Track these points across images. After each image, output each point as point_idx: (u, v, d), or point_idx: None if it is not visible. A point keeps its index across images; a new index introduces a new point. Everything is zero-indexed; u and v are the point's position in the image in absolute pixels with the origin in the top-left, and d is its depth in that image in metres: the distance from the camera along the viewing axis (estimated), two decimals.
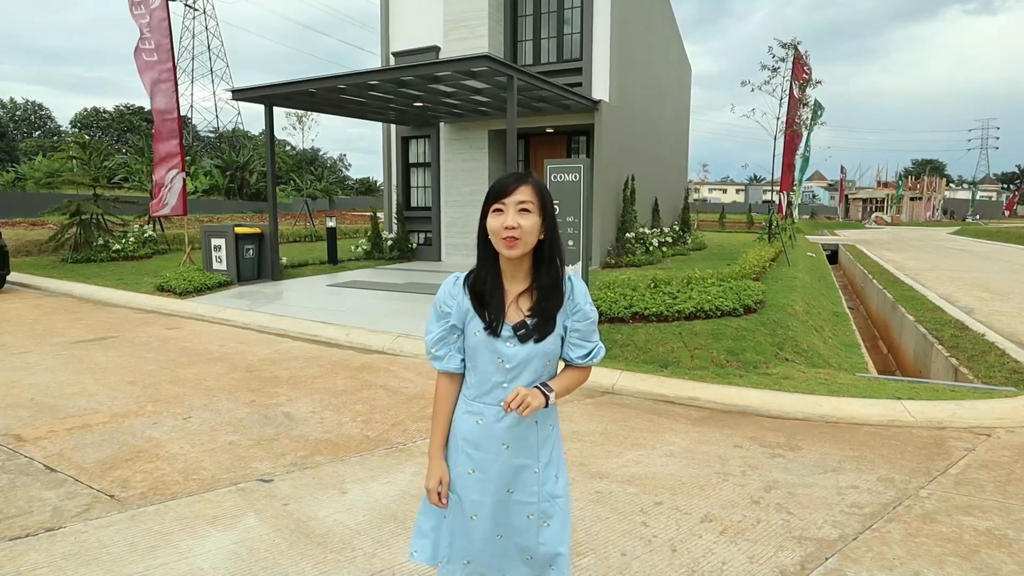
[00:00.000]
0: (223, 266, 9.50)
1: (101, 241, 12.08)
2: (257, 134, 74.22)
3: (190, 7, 69.70)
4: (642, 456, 3.83)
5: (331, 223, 11.63)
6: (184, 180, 11.11)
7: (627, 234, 11.91)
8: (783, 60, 12.33)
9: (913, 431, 4.40)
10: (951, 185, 78.21)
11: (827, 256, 19.43)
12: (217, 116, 75.66)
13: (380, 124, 13.60)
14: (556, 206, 7.36)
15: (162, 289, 8.96)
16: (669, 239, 14.16)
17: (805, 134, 15.30)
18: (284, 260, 10.87)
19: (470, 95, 9.72)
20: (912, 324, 8.53)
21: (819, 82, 12.04)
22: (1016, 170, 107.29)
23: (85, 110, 71.60)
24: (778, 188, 15.19)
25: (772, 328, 6.49)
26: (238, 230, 9.50)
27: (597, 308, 6.88)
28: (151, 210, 10.94)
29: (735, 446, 4.04)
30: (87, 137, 13.02)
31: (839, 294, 12.62)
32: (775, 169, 14.42)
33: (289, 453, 3.72)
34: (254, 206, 50.53)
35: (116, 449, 3.72)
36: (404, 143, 13.56)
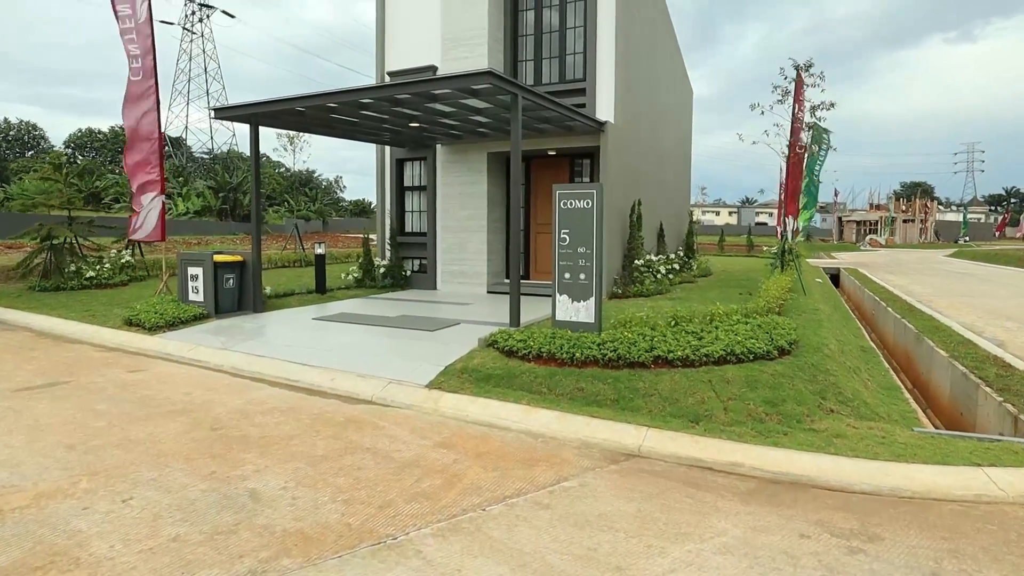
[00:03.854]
0: (200, 297, 8.74)
1: (73, 268, 11.30)
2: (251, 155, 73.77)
3: (188, 30, 69.70)
4: (691, 554, 3.06)
5: (319, 250, 10.89)
6: (163, 204, 10.41)
7: (634, 261, 11.24)
8: (791, 81, 11.84)
9: (1007, 510, 3.66)
10: (940, 207, 78.72)
11: (830, 280, 18.84)
12: (212, 138, 75.38)
13: (374, 146, 12.96)
14: (565, 235, 6.66)
15: (130, 323, 8.18)
16: (676, 266, 13.50)
17: (807, 159, 14.79)
18: (268, 290, 10.11)
19: (469, 115, 9.09)
20: (945, 360, 7.82)
21: (832, 105, 11.50)
22: (1003, 192, 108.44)
23: (80, 130, 71.17)
24: (775, 211, 14.61)
25: (811, 373, 5.77)
26: (217, 258, 8.75)
27: (615, 350, 6.15)
28: (128, 232, 10.18)
29: (801, 536, 3.29)
30: (64, 157, 12.27)
31: (857, 325, 11.97)
32: (778, 193, 13.84)
33: (248, 555, 2.94)
34: (246, 227, 49.87)
35: (26, 550, 2.92)
36: (399, 166, 12.91)
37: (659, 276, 11.80)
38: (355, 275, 12.22)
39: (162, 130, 10.39)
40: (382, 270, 12.29)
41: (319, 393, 5.78)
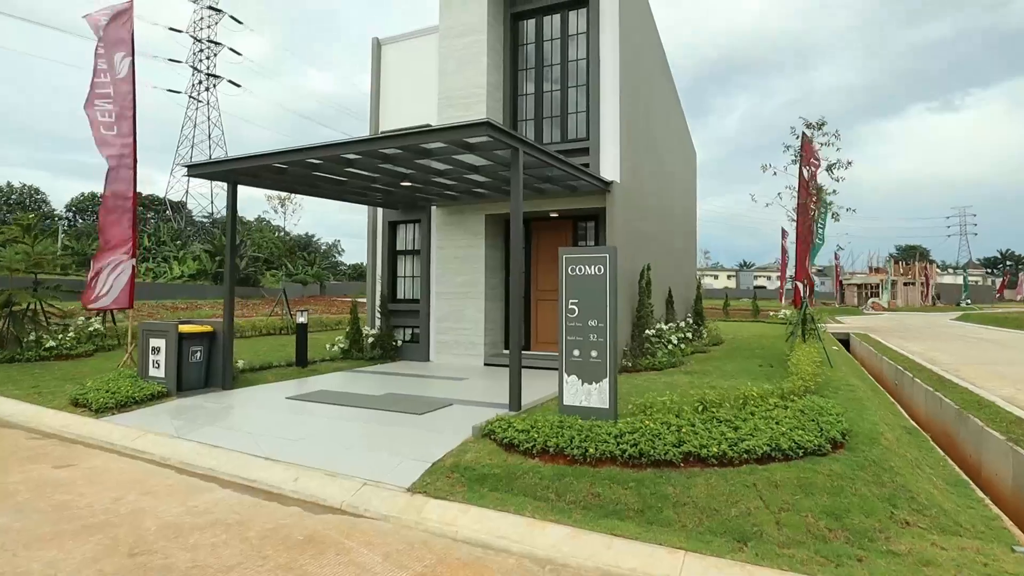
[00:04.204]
0: (161, 372, 7.78)
1: (33, 336, 10.36)
2: (252, 219, 74.13)
3: (194, 99, 71.33)
4: None
5: (302, 319, 9.98)
6: (133, 267, 9.61)
7: (645, 331, 10.34)
8: (805, 138, 11.33)
9: None
10: (938, 270, 78.82)
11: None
12: (212, 202, 75.78)
13: (367, 208, 12.30)
14: (574, 306, 5.78)
15: (77, 403, 7.18)
16: (688, 335, 12.60)
17: (815, 222, 14.19)
18: (241, 363, 9.15)
19: (465, 173, 8.41)
20: (1004, 445, 6.81)
21: (849, 163, 10.91)
22: (997, 255, 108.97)
23: (82, 194, 71.56)
24: (777, 274, 13.90)
25: (874, 472, 4.78)
26: (183, 328, 7.85)
27: (636, 445, 5.15)
28: (83, 301, 9.30)
29: None
30: (31, 217, 11.56)
31: (890, 399, 10.98)
32: (780, 256, 13.17)
33: None
34: (241, 291, 49.23)
35: None
36: (391, 228, 12.21)
37: (671, 346, 10.88)
38: (341, 345, 11.28)
39: (137, 190, 9.71)
40: (371, 340, 11.36)
41: (278, 497, 4.76)
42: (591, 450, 4.88)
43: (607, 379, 5.53)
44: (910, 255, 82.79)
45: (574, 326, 5.66)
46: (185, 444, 5.82)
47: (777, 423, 5.26)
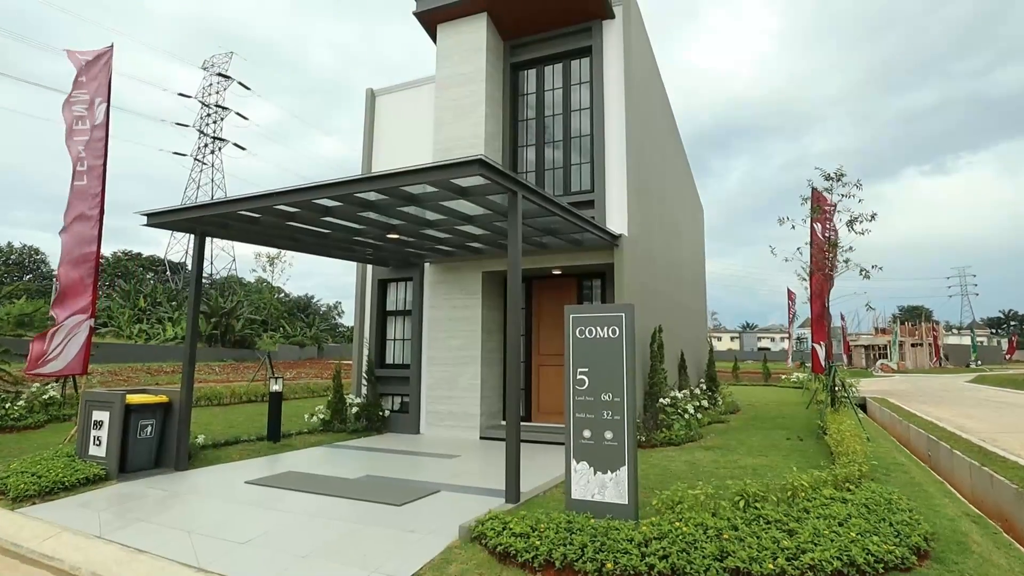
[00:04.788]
0: (101, 451, 6.70)
1: None
2: (252, 280, 73.65)
3: (199, 161, 72.29)
4: None
5: (275, 386, 8.93)
6: (91, 328, 8.68)
7: (658, 400, 9.27)
8: (824, 190, 10.61)
9: None
10: (942, 330, 77.74)
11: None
12: (212, 263, 75.65)
13: (357, 265, 11.47)
14: (583, 376, 4.76)
15: None
16: (704, 403, 11.51)
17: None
18: (200, 439, 8.05)
19: (458, 224, 7.59)
20: None
21: (874, 216, 10.10)
22: (1000, 315, 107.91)
23: None
24: (781, 336, 12.94)
25: None
26: (131, 399, 6.83)
27: (666, 557, 3.95)
28: (27, 366, 8.31)
29: None
30: None
31: (935, 476, 9.79)
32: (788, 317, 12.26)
33: None
34: (236, 353, 48.05)
35: None
36: (381, 287, 11.32)
37: (687, 417, 9.78)
38: (322, 416, 10.17)
39: (100, 245, 8.88)
40: (355, 410, 10.26)
41: None
42: (609, 565, 3.79)
43: (625, 467, 4.49)
44: (914, 315, 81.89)
45: (584, 400, 4.65)
46: (105, 548, 4.71)
47: (841, 524, 4.18)
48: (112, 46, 9.28)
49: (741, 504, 4.47)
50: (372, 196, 6.10)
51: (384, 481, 6.62)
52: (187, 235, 69.88)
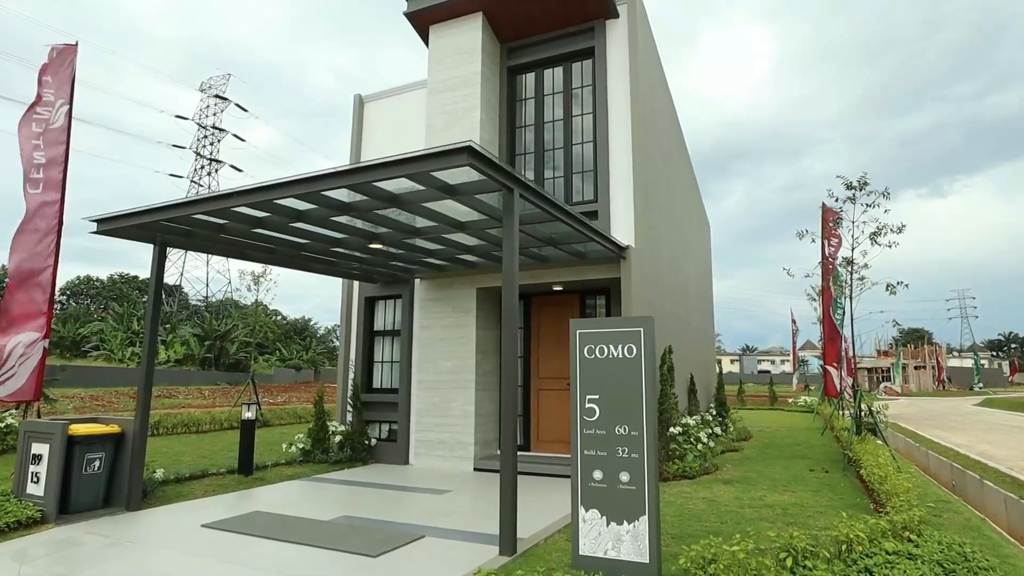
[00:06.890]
0: (40, 489, 5.86)
1: None
2: (250, 303, 72.78)
3: (195, 183, 71.89)
4: None
5: (248, 414, 8.09)
6: (45, 350, 7.86)
7: (669, 428, 8.44)
8: (844, 201, 9.91)
9: None
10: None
11: None
12: (208, 285, 74.89)
13: (342, 283, 10.70)
14: (593, 404, 3.93)
15: None
16: (717, 430, 10.67)
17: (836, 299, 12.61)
18: (159, 473, 7.20)
19: (449, 232, 6.84)
20: None
21: (902, 227, 9.36)
22: (1000, 337, 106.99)
23: (78, 278, 70.61)
24: (781, 358, 12.13)
25: None
26: (74, 430, 6.01)
27: None
28: None
29: None
30: None
31: (978, 515, 8.94)
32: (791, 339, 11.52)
33: None
34: (230, 376, 46.97)
35: None
36: (368, 305, 10.54)
37: (700, 446, 8.94)
38: (301, 445, 9.31)
39: (58, 261, 8.12)
40: (338, 438, 9.40)
41: None
42: None
43: (646, 517, 3.67)
44: (915, 337, 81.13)
45: (594, 435, 3.85)
46: None
47: None
48: (76, 44, 8.61)
49: (788, 563, 3.65)
50: (346, 196, 5.36)
51: (361, 523, 5.77)
52: (182, 256, 69.16)
